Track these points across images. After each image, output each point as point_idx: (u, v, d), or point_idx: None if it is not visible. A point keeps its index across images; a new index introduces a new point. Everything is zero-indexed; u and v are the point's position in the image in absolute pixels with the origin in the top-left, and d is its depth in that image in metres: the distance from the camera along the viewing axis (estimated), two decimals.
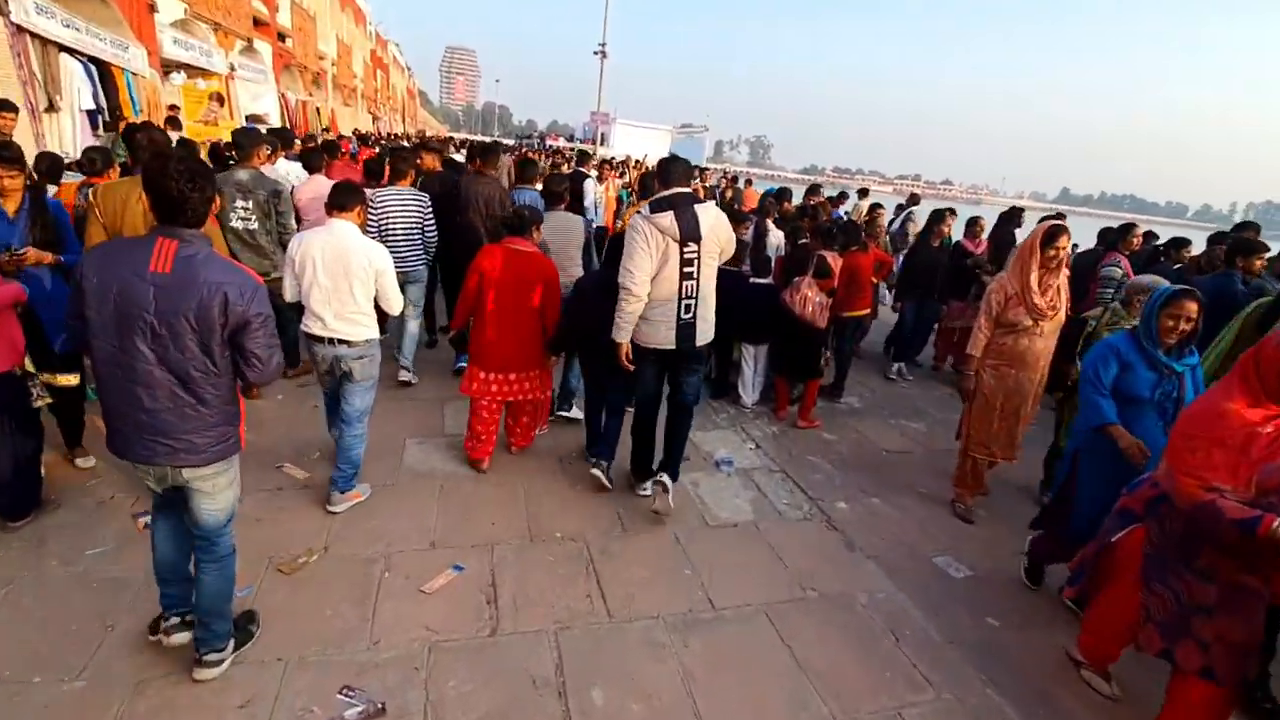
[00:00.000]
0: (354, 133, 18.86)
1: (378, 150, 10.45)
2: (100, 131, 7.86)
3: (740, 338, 4.96)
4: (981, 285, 5.60)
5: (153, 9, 9.89)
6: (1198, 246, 5.63)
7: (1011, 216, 7.28)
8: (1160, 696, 2.20)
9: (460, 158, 9.67)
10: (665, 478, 3.39)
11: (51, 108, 7.25)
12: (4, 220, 2.99)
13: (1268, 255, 4.21)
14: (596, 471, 3.55)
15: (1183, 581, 2.06)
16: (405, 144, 13.22)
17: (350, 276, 2.97)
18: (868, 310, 5.47)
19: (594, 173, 8.32)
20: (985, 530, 3.64)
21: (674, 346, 3.21)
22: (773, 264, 5.11)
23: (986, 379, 3.52)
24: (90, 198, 3.40)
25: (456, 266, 5.18)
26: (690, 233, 3.06)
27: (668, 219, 3.03)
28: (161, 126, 6.11)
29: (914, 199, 9.51)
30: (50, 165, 4.32)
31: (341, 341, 3.03)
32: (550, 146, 28.33)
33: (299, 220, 4.78)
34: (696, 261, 3.11)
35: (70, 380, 3.22)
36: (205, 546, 2.16)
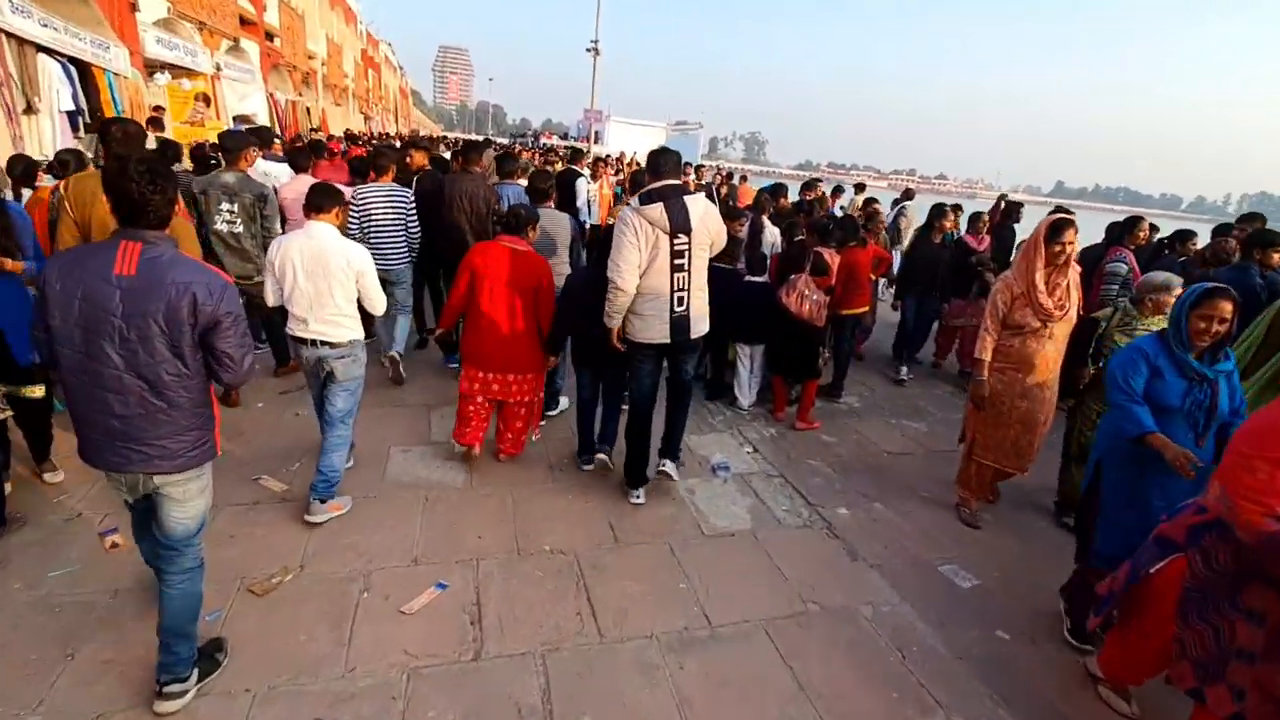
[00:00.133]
0: (345, 133, 18.67)
1: (367, 150, 10.28)
2: (81, 133, 7.71)
3: (736, 338, 4.82)
4: (984, 283, 5.46)
5: (134, 8, 9.70)
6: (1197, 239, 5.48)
7: (1009, 211, 7.15)
8: (1183, 718, 2.06)
9: (449, 156, 9.50)
10: (668, 465, 3.48)
11: (30, 109, 7.09)
12: None
13: None
14: (602, 456, 3.63)
15: (1226, 620, 1.85)
16: (396, 143, 13.05)
17: (330, 278, 2.96)
18: (867, 308, 5.33)
19: (587, 171, 8.12)
20: (992, 536, 3.51)
21: (669, 340, 3.20)
22: (768, 261, 4.98)
23: (993, 383, 3.30)
24: (62, 190, 3.28)
25: (441, 265, 5.07)
26: (680, 224, 3.03)
27: (657, 211, 2.99)
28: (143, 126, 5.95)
29: (909, 194, 9.44)
30: (24, 169, 4.18)
31: (324, 343, 3.01)
32: (544, 145, 28.10)
33: (284, 221, 4.71)
34: (687, 253, 3.09)
35: (35, 392, 3.11)
36: (171, 557, 2.07)
